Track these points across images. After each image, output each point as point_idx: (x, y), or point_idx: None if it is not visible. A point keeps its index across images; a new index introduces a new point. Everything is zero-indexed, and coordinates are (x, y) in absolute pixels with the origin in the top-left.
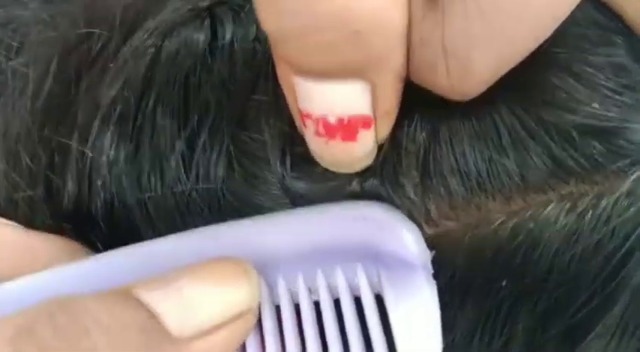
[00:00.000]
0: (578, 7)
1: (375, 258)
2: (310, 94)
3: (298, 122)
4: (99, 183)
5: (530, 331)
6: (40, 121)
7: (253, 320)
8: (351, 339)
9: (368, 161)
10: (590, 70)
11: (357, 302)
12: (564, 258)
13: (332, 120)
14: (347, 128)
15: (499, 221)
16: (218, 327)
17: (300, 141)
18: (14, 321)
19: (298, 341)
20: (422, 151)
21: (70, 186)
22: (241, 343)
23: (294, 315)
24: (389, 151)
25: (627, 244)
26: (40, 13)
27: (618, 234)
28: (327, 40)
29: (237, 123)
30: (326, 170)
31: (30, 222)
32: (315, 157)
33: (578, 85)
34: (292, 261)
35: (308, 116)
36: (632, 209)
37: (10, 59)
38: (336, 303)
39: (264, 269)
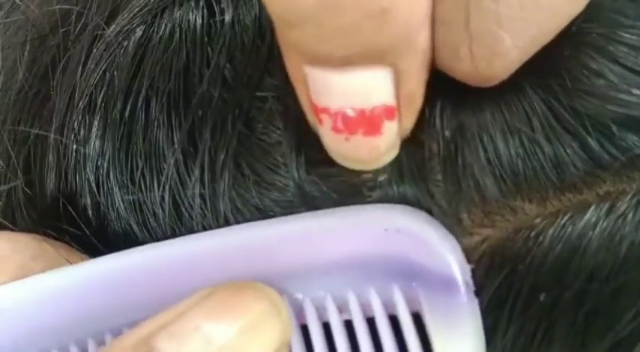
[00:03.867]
0: None
1: (410, 273)
2: (326, 86)
3: (312, 118)
4: (84, 178)
5: (570, 349)
6: (12, 116)
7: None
8: None
9: (391, 156)
10: (626, 50)
11: (392, 320)
12: (605, 265)
13: (352, 113)
14: (370, 121)
15: (538, 228)
16: None
17: (315, 140)
18: None
19: None
20: (447, 151)
21: (51, 183)
22: None
23: (323, 336)
24: (411, 153)
25: None
26: None
27: None
28: (349, 21)
29: (243, 123)
30: (345, 169)
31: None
32: (332, 156)
33: (615, 67)
34: (318, 276)
35: (324, 111)
36: None
37: None
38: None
39: (285, 284)
